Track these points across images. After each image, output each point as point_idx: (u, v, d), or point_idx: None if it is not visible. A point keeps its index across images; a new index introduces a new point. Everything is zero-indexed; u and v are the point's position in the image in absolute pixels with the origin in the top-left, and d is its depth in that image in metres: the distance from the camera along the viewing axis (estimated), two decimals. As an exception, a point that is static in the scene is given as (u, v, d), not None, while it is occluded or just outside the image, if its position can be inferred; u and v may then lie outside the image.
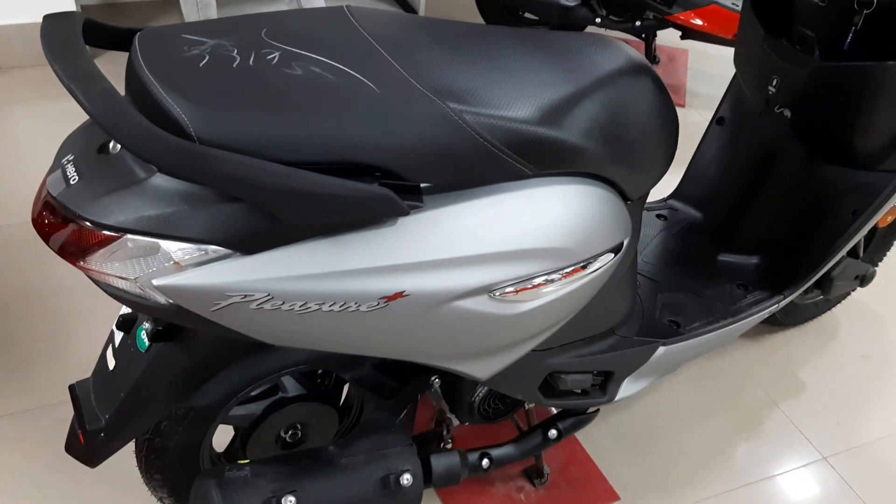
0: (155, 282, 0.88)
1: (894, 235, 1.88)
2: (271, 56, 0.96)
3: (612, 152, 1.12)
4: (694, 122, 2.87)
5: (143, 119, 0.81)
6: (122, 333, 1.12)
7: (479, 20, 3.11)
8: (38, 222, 0.92)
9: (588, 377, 1.33)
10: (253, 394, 1.28)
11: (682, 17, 2.71)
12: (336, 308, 0.95)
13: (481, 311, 1.05)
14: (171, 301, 0.90)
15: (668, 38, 3.12)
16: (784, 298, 1.61)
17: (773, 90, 1.48)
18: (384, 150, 0.92)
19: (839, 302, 2.05)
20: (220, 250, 0.89)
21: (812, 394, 1.90)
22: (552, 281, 1.09)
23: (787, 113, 1.49)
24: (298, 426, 1.32)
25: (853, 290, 1.96)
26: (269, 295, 0.91)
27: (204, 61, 0.93)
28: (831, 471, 1.73)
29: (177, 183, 0.87)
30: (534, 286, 1.08)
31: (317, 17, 1.10)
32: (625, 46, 1.20)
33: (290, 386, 1.30)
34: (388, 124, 0.92)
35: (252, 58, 0.95)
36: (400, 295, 0.97)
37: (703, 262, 1.69)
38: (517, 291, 1.07)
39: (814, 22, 1.42)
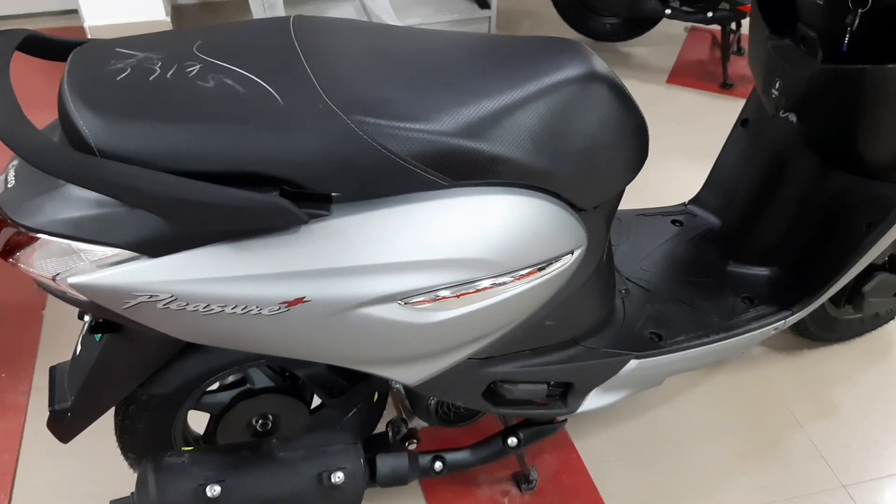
0: (70, 280, 0.96)
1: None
2: (190, 69, 1.02)
3: (550, 163, 1.10)
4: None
5: (37, 133, 0.89)
6: (85, 322, 1.22)
7: (553, 13, 3.06)
8: None
9: (542, 388, 1.31)
10: (227, 382, 1.36)
11: (756, 7, 2.55)
12: (238, 311, 1.01)
13: (392, 319, 1.07)
14: (86, 298, 0.98)
15: (755, 27, 2.97)
16: (791, 315, 1.51)
17: (777, 93, 1.39)
18: (281, 161, 0.96)
19: (890, 319, 1.89)
20: (129, 253, 0.96)
21: (843, 417, 1.77)
22: (474, 291, 1.09)
23: (793, 118, 1.39)
24: (269, 416, 1.39)
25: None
26: (172, 296, 0.98)
27: (123, 75, 1.00)
28: (849, 501, 1.61)
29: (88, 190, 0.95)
30: (451, 296, 1.08)
31: (258, 28, 1.15)
32: (582, 50, 1.17)
33: (259, 378, 1.37)
34: (286, 136, 0.96)
35: (172, 71, 1.01)
36: (300, 300, 1.01)
37: (711, 272, 1.61)
38: (432, 301, 1.08)
39: (815, 22, 1.32)
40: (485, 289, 1.10)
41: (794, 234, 1.54)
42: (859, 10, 1.21)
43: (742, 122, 1.68)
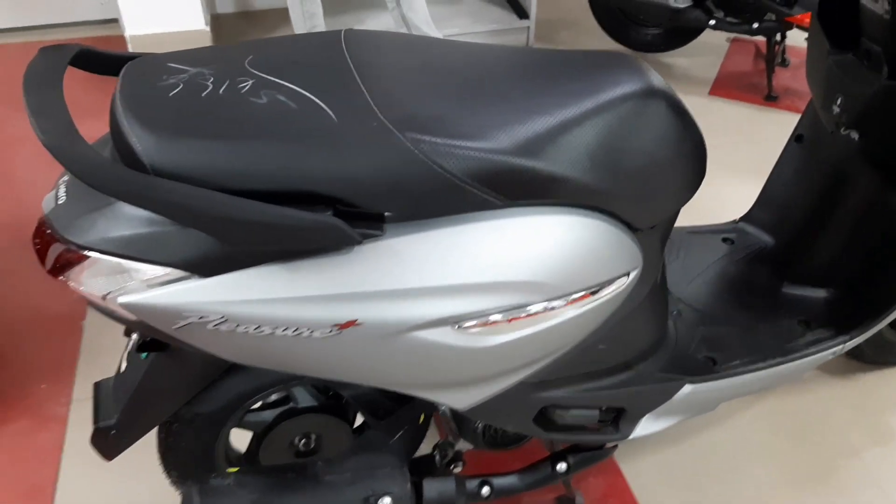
0: (120, 300, 0.95)
1: None
2: (243, 84, 1.00)
3: (607, 182, 1.07)
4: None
5: (89, 149, 0.87)
6: (131, 339, 1.21)
7: (592, 23, 3.02)
8: (33, 239, 1.02)
9: (594, 413, 1.27)
10: (270, 400, 1.34)
11: (805, 19, 2.50)
12: (290, 333, 0.98)
13: (445, 343, 1.04)
14: (136, 318, 0.97)
15: (799, 37, 2.90)
16: (850, 340, 1.46)
17: (838, 110, 1.34)
18: (335, 179, 0.93)
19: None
20: (180, 272, 0.95)
21: (901, 445, 1.71)
22: (525, 316, 1.06)
23: (855, 135, 1.34)
24: (312, 436, 1.36)
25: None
26: (223, 317, 0.96)
27: (175, 91, 0.99)
28: (907, 532, 1.55)
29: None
30: (503, 320, 1.05)
31: (310, 43, 1.13)
32: (639, 64, 1.13)
33: (302, 397, 1.34)
34: (339, 154, 0.94)
35: (224, 87, 1.00)
36: (352, 323, 0.99)
37: (765, 293, 1.56)
38: (487, 324, 1.05)
39: (881, 36, 1.27)
40: (537, 313, 1.07)
41: (853, 255, 1.49)
42: (932, 25, 1.16)
43: (796, 137, 1.63)
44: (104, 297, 0.96)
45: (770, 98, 2.80)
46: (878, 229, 1.44)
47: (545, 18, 3.29)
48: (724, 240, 1.68)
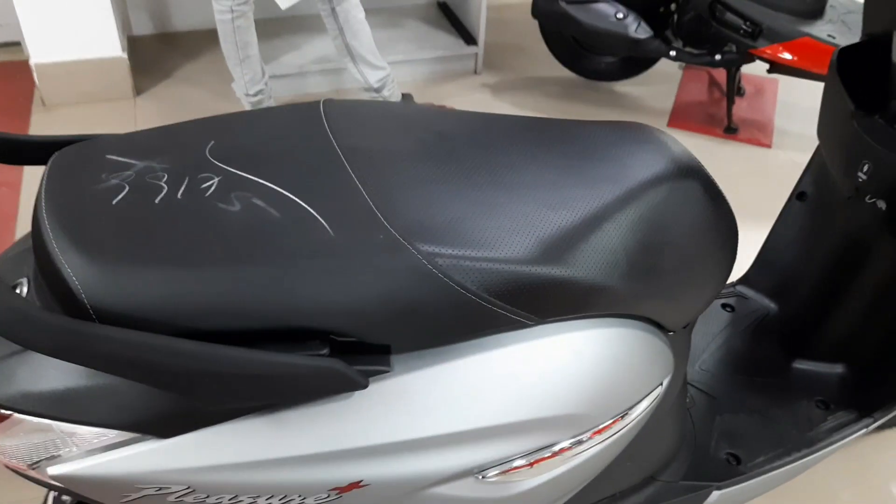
0: (51, 470, 0.72)
1: None
2: (208, 184, 0.78)
3: (646, 285, 0.90)
4: (780, 166, 2.57)
5: (9, 292, 0.64)
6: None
7: (543, 49, 2.87)
8: None
9: None
10: None
11: (768, 51, 2.41)
12: (275, 502, 0.77)
13: (465, 498, 0.84)
14: (74, 490, 0.74)
15: (755, 66, 2.82)
16: (874, 422, 1.33)
17: (864, 177, 1.21)
18: (333, 310, 0.73)
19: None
20: (130, 433, 0.73)
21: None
22: (553, 454, 0.88)
23: (882, 205, 1.21)
24: None
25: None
26: (188, 487, 0.74)
27: (120, 196, 0.76)
28: None
29: None
30: (535, 461, 0.87)
31: (283, 120, 0.91)
32: (665, 139, 0.97)
33: None
34: (339, 278, 0.73)
35: (183, 188, 0.78)
36: (356, 485, 0.78)
37: (776, 370, 1.42)
38: (513, 470, 0.86)
39: (918, 100, 1.14)
40: (563, 450, 0.89)
41: (872, 329, 1.37)
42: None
43: (798, 195, 1.50)
44: (31, 467, 0.73)
45: (730, 130, 2.70)
46: (900, 303, 1.32)
47: (493, 43, 3.12)
48: (724, 306, 1.54)
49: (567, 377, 0.85)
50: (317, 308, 0.72)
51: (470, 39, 2.95)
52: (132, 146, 0.83)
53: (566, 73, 2.93)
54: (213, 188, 0.77)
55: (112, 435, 0.72)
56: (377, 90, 2.49)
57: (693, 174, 0.95)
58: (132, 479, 0.73)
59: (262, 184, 0.78)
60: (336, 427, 0.76)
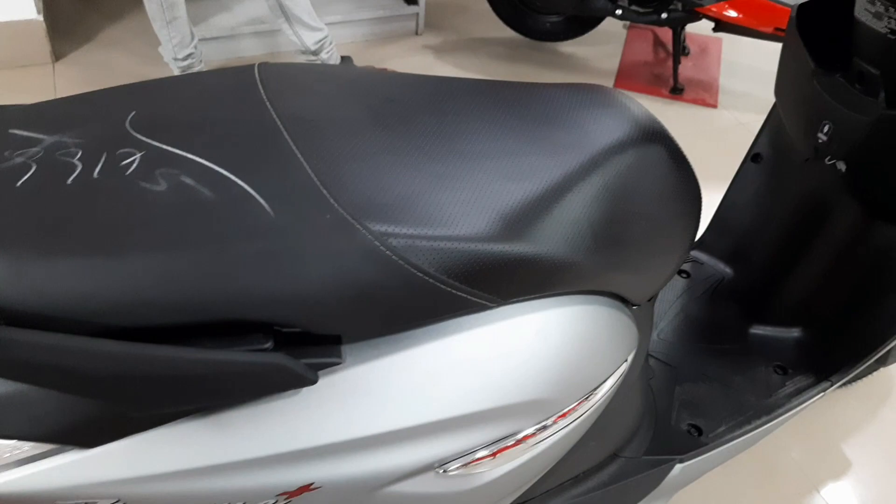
0: None
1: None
2: (129, 160, 0.69)
3: (612, 259, 0.84)
4: (726, 127, 2.55)
5: None
6: None
7: (485, 7, 2.79)
8: None
9: None
10: None
11: (714, 9, 2.37)
12: None
13: (426, 494, 0.78)
14: None
15: (699, 25, 2.79)
16: (831, 385, 1.32)
17: (825, 138, 1.17)
18: (276, 299, 0.65)
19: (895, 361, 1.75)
20: (49, 444, 0.64)
21: (860, 475, 1.61)
22: (517, 442, 0.82)
23: (842, 166, 1.18)
24: None
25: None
26: (118, 501, 0.66)
27: (26, 176, 0.67)
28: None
29: None
30: (498, 451, 0.81)
31: (215, 85, 0.82)
32: (627, 101, 0.91)
33: None
34: (281, 263, 0.65)
35: (100, 166, 0.68)
36: (307, 489, 0.71)
37: (734, 336, 1.40)
38: (475, 462, 0.80)
39: (880, 58, 1.10)
40: (527, 437, 0.83)
41: (830, 292, 1.35)
42: (951, 49, 1.01)
43: (753, 157, 1.47)
44: None
45: (676, 90, 2.68)
46: (859, 263, 1.30)
47: (435, 2, 3.02)
48: (680, 272, 1.51)
49: (531, 361, 0.79)
50: (257, 297, 0.64)
51: (410, -1, 2.85)
52: (40, 119, 0.73)
53: (510, 33, 2.86)
54: (134, 165, 0.68)
55: (27, 448, 0.64)
56: (314, 53, 2.37)
57: (657, 138, 0.89)
58: (53, 495, 0.64)
59: (192, 159, 0.70)
60: (283, 427, 0.69)
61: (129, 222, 0.64)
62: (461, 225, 0.71)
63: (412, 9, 2.83)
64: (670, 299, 1.44)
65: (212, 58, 2.58)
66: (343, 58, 2.50)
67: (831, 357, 1.33)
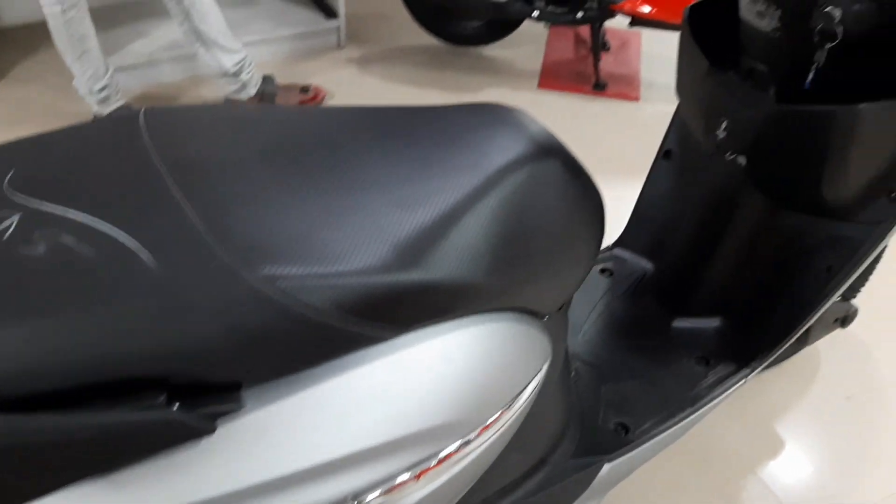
0: None
1: (871, 266, 1.63)
2: (5, 224, 0.68)
3: (514, 276, 0.85)
4: (649, 120, 2.61)
5: None
6: None
7: (406, 16, 2.80)
8: None
9: None
10: None
11: (627, 6, 2.42)
12: None
13: None
14: None
15: (618, 19, 2.84)
16: (752, 372, 1.36)
17: (724, 134, 1.21)
18: (168, 354, 0.64)
19: (817, 340, 1.81)
20: None
21: (793, 453, 1.66)
22: (439, 461, 0.83)
23: (742, 160, 1.22)
24: None
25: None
26: None
27: None
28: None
29: None
30: (420, 473, 0.82)
31: (98, 135, 0.81)
32: (522, 119, 0.92)
33: None
34: (168, 316, 0.65)
35: None
36: None
37: (656, 330, 1.43)
38: (397, 488, 0.81)
39: (767, 55, 1.14)
40: (449, 456, 0.84)
41: (743, 281, 1.39)
42: (827, 45, 1.04)
43: (665, 153, 1.51)
44: None
45: (598, 86, 2.72)
46: (770, 252, 1.35)
47: (355, 14, 3.02)
48: (603, 271, 1.54)
49: (439, 385, 0.80)
50: (146, 354, 0.63)
51: (330, 13, 2.83)
52: None
53: (433, 40, 2.87)
54: (11, 230, 0.67)
55: None
56: (235, 74, 2.35)
57: (552, 153, 0.91)
58: None
59: (71, 217, 0.69)
60: (185, 479, 0.68)
61: (5, 291, 0.63)
62: (354, 258, 0.72)
63: (333, 22, 2.82)
64: (594, 299, 1.47)
65: (131, 87, 2.54)
66: (265, 77, 2.48)
67: (750, 344, 1.37)
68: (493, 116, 0.93)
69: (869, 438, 1.70)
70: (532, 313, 0.93)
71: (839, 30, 1.02)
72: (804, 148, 1.14)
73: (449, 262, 0.77)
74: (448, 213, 0.79)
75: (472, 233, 0.80)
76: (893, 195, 1.15)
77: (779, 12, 1.05)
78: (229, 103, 0.87)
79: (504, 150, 0.88)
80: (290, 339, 0.69)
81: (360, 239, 0.73)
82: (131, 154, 0.77)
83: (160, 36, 2.63)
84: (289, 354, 0.70)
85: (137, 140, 0.78)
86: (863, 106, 1.05)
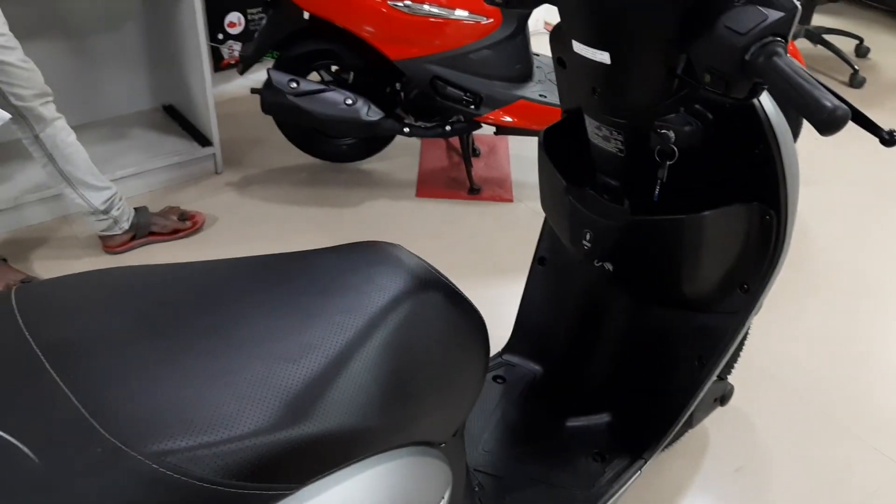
0: None
1: (740, 346, 1.75)
2: None
3: (406, 413, 0.88)
4: (523, 219, 2.73)
5: None
6: None
7: (281, 138, 2.86)
8: None
9: None
10: None
11: (491, 117, 2.57)
12: None
13: None
14: None
15: (485, 127, 3.00)
16: (645, 462, 1.42)
17: (588, 244, 1.30)
18: None
19: (700, 422, 1.91)
20: None
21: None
22: None
23: (609, 266, 1.31)
24: None
25: (714, 409, 1.82)
26: None
27: None
28: None
29: None
30: None
31: None
32: (399, 254, 0.97)
33: None
34: None
35: None
36: None
37: (552, 432, 1.48)
38: None
39: (617, 172, 1.25)
40: None
41: (625, 376, 1.47)
42: (667, 163, 1.16)
43: (539, 260, 1.59)
44: None
45: (473, 191, 2.84)
46: (645, 349, 1.43)
47: (230, 139, 3.05)
48: (495, 378, 1.58)
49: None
50: None
51: (204, 141, 2.85)
52: None
53: (310, 158, 2.94)
54: None
55: None
56: (105, 211, 2.32)
57: (430, 284, 0.95)
58: None
59: None
60: None
61: None
62: (242, 422, 0.73)
63: (208, 150, 2.84)
64: (490, 408, 1.50)
65: (-3, 231, 2.46)
66: (137, 209, 2.45)
67: (640, 436, 1.44)
68: (371, 256, 0.97)
69: (761, 508, 1.79)
70: (428, 444, 0.96)
71: (675, 149, 1.14)
72: (660, 252, 1.24)
73: (340, 409, 0.79)
74: (334, 360, 0.82)
75: (360, 377, 0.82)
76: (744, 286, 1.26)
77: (621, 136, 1.17)
78: (103, 271, 0.87)
79: (383, 288, 0.91)
80: None
81: (248, 400, 0.74)
82: (6, 339, 0.76)
83: (25, 178, 2.56)
84: None
85: (11, 322, 0.77)
86: (706, 213, 1.17)
